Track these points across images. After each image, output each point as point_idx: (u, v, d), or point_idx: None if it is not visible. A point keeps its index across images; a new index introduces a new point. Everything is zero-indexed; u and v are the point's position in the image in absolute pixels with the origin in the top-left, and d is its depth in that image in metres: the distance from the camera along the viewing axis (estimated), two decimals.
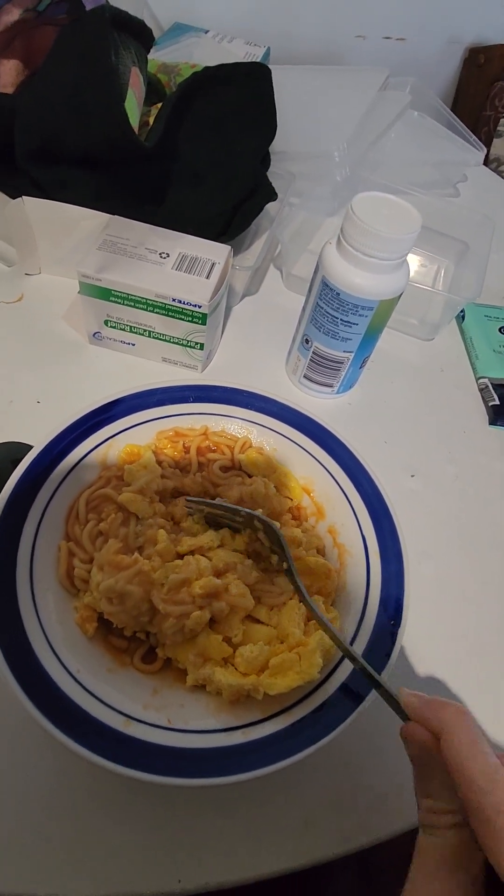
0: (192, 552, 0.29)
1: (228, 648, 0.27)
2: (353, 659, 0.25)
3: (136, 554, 0.28)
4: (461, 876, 0.17)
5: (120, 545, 0.28)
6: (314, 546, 0.33)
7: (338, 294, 0.36)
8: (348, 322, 0.37)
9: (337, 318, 0.37)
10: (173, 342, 0.41)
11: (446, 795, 0.19)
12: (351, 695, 0.25)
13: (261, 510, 0.31)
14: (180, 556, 0.29)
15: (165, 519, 0.31)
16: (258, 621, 0.29)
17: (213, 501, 0.31)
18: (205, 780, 0.23)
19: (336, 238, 0.35)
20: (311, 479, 0.34)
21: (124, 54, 0.40)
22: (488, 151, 0.97)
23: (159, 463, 0.33)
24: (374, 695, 0.25)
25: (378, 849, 0.27)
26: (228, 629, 0.27)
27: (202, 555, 0.29)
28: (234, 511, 0.30)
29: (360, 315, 0.36)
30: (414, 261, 0.57)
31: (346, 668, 0.27)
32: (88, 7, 0.40)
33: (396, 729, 0.30)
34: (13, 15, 0.41)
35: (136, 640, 0.28)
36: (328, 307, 0.37)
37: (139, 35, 0.43)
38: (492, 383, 0.47)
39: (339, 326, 0.37)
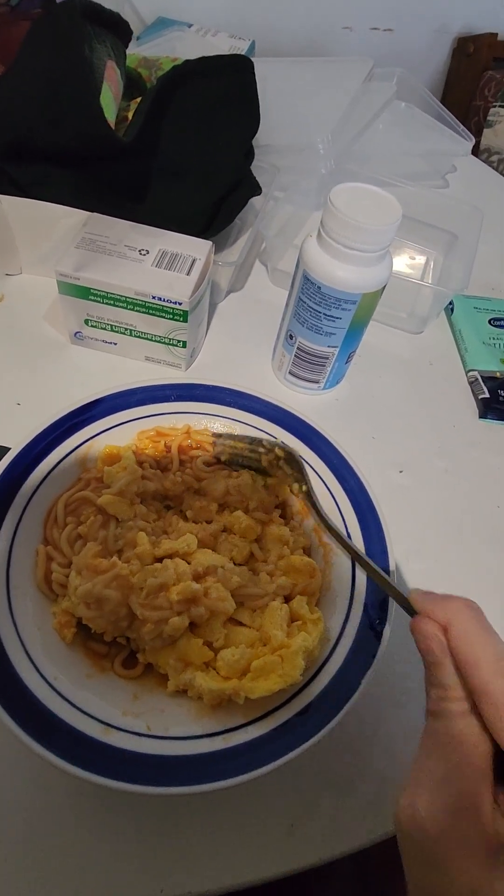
0: (171, 556, 0.28)
1: (210, 652, 0.26)
2: (361, 561, 0.27)
3: (115, 557, 0.27)
4: (471, 755, 0.18)
5: (99, 548, 0.28)
6: (300, 545, 0.32)
7: (319, 288, 0.35)
8: (331, 316, 0.36)
9: (320, 312, 0.36)
10: (155, 340, 0.41)
11: (455, 684, 0.19)
12: (335, 697, 0.25)
13: (251, 501, 0.32)
14: (160, 560, 0.28)
15: (146, 521, 0.30)
16: (240, 623, 0.28)
17: (238, 434, 0.34)
18: (184, 789, 0.22)
19: (316, 231, 0.35)
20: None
21: (99, 48, 0.39)
22: (478, 141, 0.96)
23: (140, 464, 0.32)
24: (357, 697, 0.25)
25: (373, 852, 0.27)
26: (209, 633, 0.27)
27: (182, 558, 0.28)
28: (258, 442, 0.33)
29: (343, 309, 0.36)
30: (403, 253, 0.56)
31: (330, 670, 0.26)
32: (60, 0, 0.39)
33: (382, 731, 0.30)
34: None
35: (116, 645, 0.28)
36: (310, 302, 0.36)
37: (115, 28, 0.43)
38: (481, 376, 0.46)
39: (323, 321, 0.37)
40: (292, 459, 0.32)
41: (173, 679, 0.26)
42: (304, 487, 0.31)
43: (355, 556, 0.28)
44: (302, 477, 0.31)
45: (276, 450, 0.32)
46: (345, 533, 0.29)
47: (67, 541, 0.29)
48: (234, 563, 0.30)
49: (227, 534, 0.32)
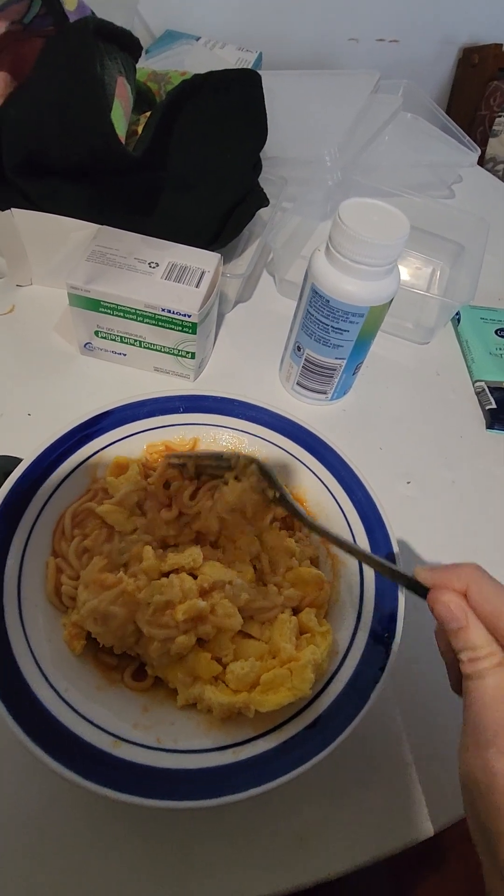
0: (177, 570, 0.28)
1: (218, 667, 0.26)
2: (365, 557, 0.26)
3: (121, 573, 0.27)
4: None
5: (105, 562, 0.28)
6: (308, 556, 0.32)
7: (328, 301, 0.35)
8: (339, 329, 0.37)
9: (328, 325, 0.37)
10: (164, 352, 0.41)
11: (486, 641, 0.20)
12: (344, 711, 0.25)
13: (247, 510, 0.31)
14: (166, 574, 0.28)
15: (150, 534, 0.30)
16: (249, 636, 0.28)
17: (196, 452, 0.32)
18: (195, 803, 0.22)
19: (325, 245, 0.35)
20: (304, 488, 0.34)
21: (110, 64, 0.40)
22: (484, 151, 0.97)
23: (148, 476, 0.32)
24: (367, 710, 0.25)
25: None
26: (218, 649, 0.27)
27: (189, 572, 0.28)
28: (217, 456, 0.31)
29: (350, 322, 0.36)
30: (409, 263, 0.56)
31: (339, 683, 0.26)
32: (73, 19, 0.40)
33: (392, 743, 0.30)
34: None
35: (126, 657, 0.28)
36: (318, 314, 0.36)
37: (126, 45, 0.43)
38: (488, 387, 0.46)
39: (331, 333, 0.37)
40: (261, 470, 0.30)
41: (182, 693, 0.26)
42: (276, 494, 0.29)
43: (349, 549, 0.27)
44: (272, 484, 0.29)
45: (241, 462, 0.30)
46: (326, 530, 0.28)
47: (75, 553, 0.29)
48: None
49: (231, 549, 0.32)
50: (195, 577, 0.28)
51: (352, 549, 0.26)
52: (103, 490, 0.32)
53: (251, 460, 0.30)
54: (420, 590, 0.23)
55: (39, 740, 0.22)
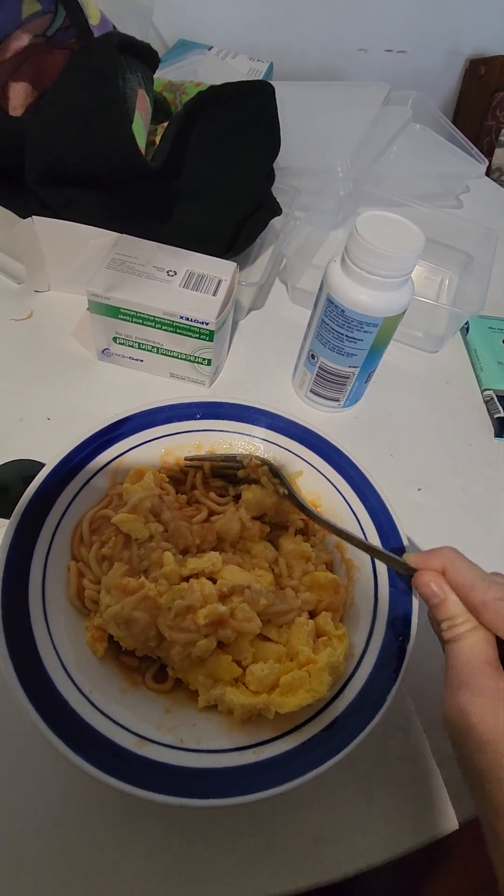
0: (197, 575, 0.28)
1: (238, 669, 0.27)
2: (366, 547, 0.29)
3: (143, 578, 0.28)
4: (485, 657, 0.23)
5: (126, 568, 0.28)
6: (322, 561, 0.33)
7: (343, 311, 0.36)
8: (353, 338, 0.37)
9: (342, 334, 0.37)
10: (181, 358, 0.42)
11: (460, 610, 0.24)
12: (361, 713, 0.26)
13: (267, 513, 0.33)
14: (186, 579, 0.29)
15: (168, 541, 0.30)
16: (268, 639, 0.29)
17: (210, 455, 0.34)
18: (218, 801, 0.23)
19: (340, 256, 0.36)
20: (318, 494, 0.35)
21: (131, 78, 0.41)
22: (490, 162, 0.98)
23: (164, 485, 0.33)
24: (383, 712, 0.25)
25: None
26: (237, 652, 0.27)
27: (209, 577, 0.29)
28: (231, 458, 0.33)
29: (364, 331, 0.37)
30: (418, 273, 0.57)
31: (356, 686, 0.27)
32: (97, 33, 0.41)
33: (407, 744, 0.30)
34: (23, 41, 0.42)
35: (147, 660, 0.28)
36: (333, 324, 0.37)
37: (145, 58, 0.44)
38: (497, 395, 0.47)
39: (345, 342, 0.38)
40: (271, 469, 0.33)
41: (203, 695, 0.26)
42: (283, 491, 0.32)
43: (350, 539, 0.30)
44: (282, 481, 0.32)
45: (253, 462, 0.33)
46: (325, 520, 0.31)
47: (95, 559, 0.30)
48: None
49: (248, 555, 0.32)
50: (215, 582, 0.28)
51: (352, 539, 0.29)
52: (119, 496, 0.32)
53: (262, 461, 0.33)
54: (409, 572, 0.27)
55: (68, 740, 0.23)
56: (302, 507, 0.31)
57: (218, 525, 0.31)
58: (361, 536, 0.30)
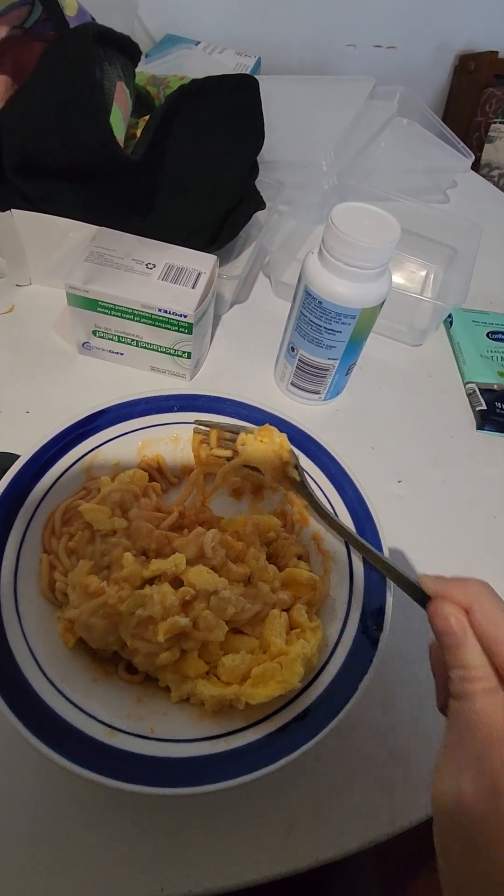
0: (160, 576, 0.27)
1: (206, 665, 0.27)
2: (374, 557, 0.28)
3: (104, 583, 0.27)
4: (500, 730, 0.18)
5: (91, 564, 0.28)
6: (295, 553, 0.33)
7: (320, 303, 0.36)
8: (332, 330, 0.37)
9: (320, 326, 0.37)
10: (161, 351, 0.42)
11: (480, 663, 0.19)
12: (333, 702, 0.26)
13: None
14: (150, 581, 0.27)
15: (130, 541, 0.29)
16: (240, 631, 0.29)
17: (220, 421, 0.34)
18: (188, 790, 0.23)
19: (318, 248, 0.36)
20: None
21: (110, 70, 0.41)
22: (479, 157, 0.98)
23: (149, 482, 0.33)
24: (354, 701, 0.25)
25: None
26: (206, 654, 0.27)
27: (173, 578, 0.27)
28: (239, 428, 0.33)
29: (343, 323, 0.37)
30: (403, 266, 0.57)
31: (329, 675, 0.27)
32: (74, 24, 0.41)
33: (380, 733, 0.30)
34: (1, 32, 0.42)
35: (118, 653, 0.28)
36: (312, 316, 0.37)
37: (125, 50, 0.44)
38: (479, 388, 0.47)
39: (323, 334, 0.38)
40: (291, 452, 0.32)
41: (175, 691, 0.26)
42: (296, 478, 0.31)
43: (360, 548, 0.28)
44: (298, 469, 0.31)
45: (264, 430, 0.32)
46: (338, 522, 0.30)
47: (65, 551, 0.30)
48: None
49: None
50: (181, 584, 0.27)
51: (358, 544, 0.28)
52: (97, 490, 0.32)
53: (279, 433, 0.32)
54: (422, 597, 0.22)
55: (36, 730, 0.23)
56: (313, 502, 0.30)
57: (176, 543, 0.29)
58: (374, 549, 0.28)
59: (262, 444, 0.32)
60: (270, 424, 0.36)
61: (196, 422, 0.35)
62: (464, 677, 0.19)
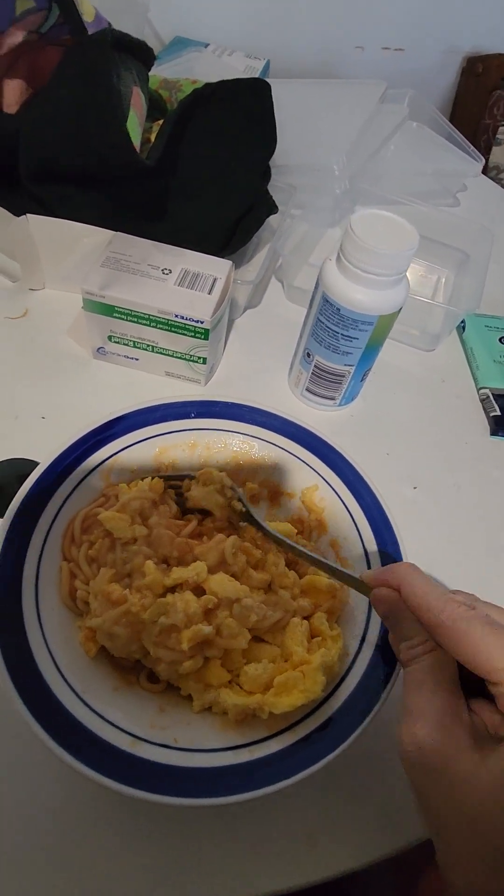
0: (182, 584, 0.27)
1: (229, 675, 0.27)
2: (315, 561, 0.28)
3: (127, 591, 0.27)
4: (443, 680, 0.21)
5: (112, 572, 0.28)
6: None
7: (338, 309, 0.36)
8: (349, 336, 0.37)
9: (337, 332, 0.37)
10: (176, 357, 0.42)
11: (417, 631, 0.23)
12: (355, 711, 0.26)
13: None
14: (172, 589, 0.27)
15: (151, 549, 0.29)
16: (262, 640, 0.29)
17: (178, 474, 0.33)
18: (213, 800, 0.23)
19: (336, 255, 0.36)
20: (313, 492, 0.35)
21: (126, 75, 0.41)
22: (487, 159, 0.98)
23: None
24: (377, 710, 0.25)
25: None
26: (228, 663, 0.27)
27: (195, 586, 0.27)
28: (184, 476, 0.33)
29: (360, 330, 0.37)
30: (415, 271, 0.57)
31: (350, 684, 0.27)
32: (91, 30, 0.41)
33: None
34: (17, 37, 0.42)
35: (140, 661, 0.28)
36: (329, 322, 0.37)
37: (140, 55, 0.44)
38: (493, 394, 0.47)
39: (340, 341, 0.38)
40: (226, 483, 0.31)
41: (198, 700, 0.26)
42: (241, 508, 0.31)
43: (301, 555, 0.28)
44: (238, 499, 0.31)
45: (210, 473, 0.31)
46: (283, 539, 0.29)
47: (85, 559, 0.30)
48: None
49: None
50: (203, 592, 0.27)
51: (305, 556, 0.28)
52: (115, 497, 0.32)
53: (219, 472, 0.31)
54: (364, 588, 0.26)
55: (60, 739, 0.23)
56: (258, 525, 0.30)
57: (198, 550, 0.29)
58: (312, 554, 0.28)
59: (205, 488, 0.31)
60: (286, 430, 0.36)
61: (161, 477, 0.33)
62: (408, 646, 0.23)
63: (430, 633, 0.22)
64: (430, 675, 0.21)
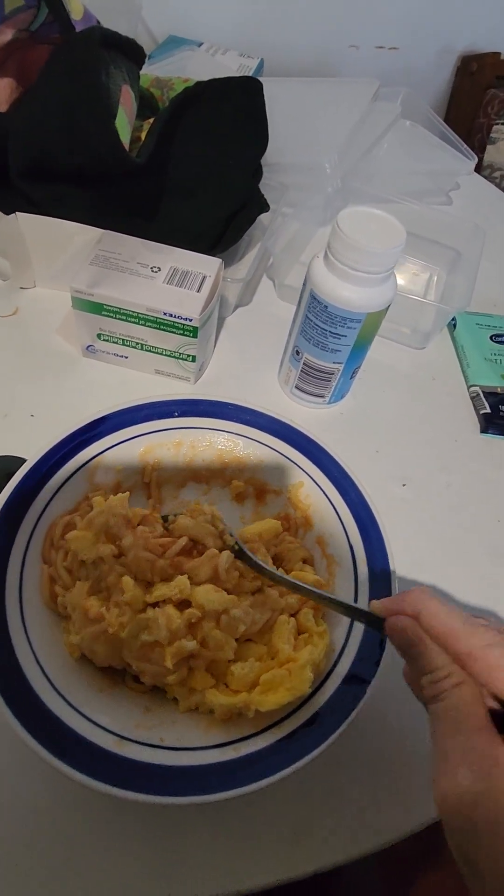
0: (164, 601, 0.26)
1: (213, 679, 0.27)
2: (319, 597, 0.26)
3: (104, 609, 0.26)
4: (478, 718, 0.19)
5: (89, 585, 0.27)
6: (300, 557, 0.33)
7: (326, 307, 0.36)
8: (337, 334, 0.37)
9: (326, 330, 0.37)
10: (166, 355, 0.42)
11: (441, 663, 0.20)
12: (341, 707, 0.26)
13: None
14: (153, 605, 0.27)
15: (125, 567, 0.28)
16: (249, 639, 0.29)
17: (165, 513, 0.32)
18: (199, 798, 0.23)
19: (323, 252, 0.36)
20: (298, 489, 0.35)
21: (115, 73, 0.41)
22: (481, 158, 0.98)
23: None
24: (362, 705, 0.25)
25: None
26: (215, 669, 0.27)
27: (179, 601, 0.26)
28: (177, 513, 0.31)
29: (348, 327, 0.37)
30: (407, 269, 0.57)
31: (336, 680, 0.27)
32: (80, 28, 0.41)
33: (385, 739, 0.30)
34: (6, 35, 0.42)
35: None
36: (317, 320, 0.37)
37: (130, 53, 0.44)
38: (483, 391, 0.47)
39: (329, 338, 0.38)
40: (214, 517, 0.30)
41: (184, 703, 0.26)
42: (234, 545, 0.29)
43: (311, 595, 0.27)
44: (230, 536, 0.29)
45: (195, 509, 0.30)
46: (281, 576, 0.28)
47: (63, 567, 0.29)
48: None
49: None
50: (189, 602, 0.27)
51: (303, 591, 0.27)
52: (90, 506, 0.30)
53: (211, 514, 0.30)
54: (377, 621, 0.23)
55: (44, 741, 0.23)
56: (257, 568, 0.28)
57: (188, 566, 0.28)
58: (317, 590, 0.27)
59: (194, 520, 0.29)
60: (271, 428, 0.36)
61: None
62: (434, 679, 0.20)
63: (458, 663, 0.20)
64: (464, 714, 0.19)
